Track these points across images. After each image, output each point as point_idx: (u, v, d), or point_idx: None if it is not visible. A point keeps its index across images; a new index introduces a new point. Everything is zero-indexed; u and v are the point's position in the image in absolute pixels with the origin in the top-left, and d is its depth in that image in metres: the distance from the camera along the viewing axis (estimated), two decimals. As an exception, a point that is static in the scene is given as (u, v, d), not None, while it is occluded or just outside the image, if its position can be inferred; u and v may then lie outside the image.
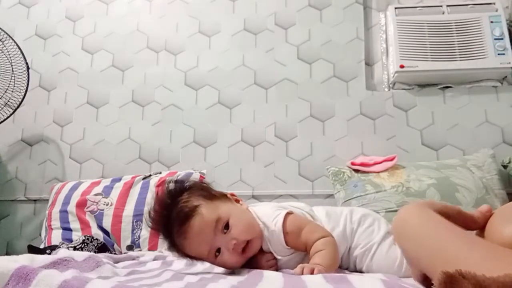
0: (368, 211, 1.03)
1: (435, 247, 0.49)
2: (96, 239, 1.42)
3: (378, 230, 0.93)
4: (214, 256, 0.85)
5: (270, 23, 1.93)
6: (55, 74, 2.01)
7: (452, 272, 0.37)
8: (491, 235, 0.59)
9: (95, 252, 1.31)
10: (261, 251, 0.91)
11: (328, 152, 1.74)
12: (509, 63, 1.63)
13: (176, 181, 0.91)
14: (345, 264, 0.94)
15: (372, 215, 1.00)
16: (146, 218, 0.90)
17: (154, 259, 1.08)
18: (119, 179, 1.69)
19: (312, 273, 0.74)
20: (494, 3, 1.73)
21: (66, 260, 0.71)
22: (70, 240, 1.50)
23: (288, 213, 0.91)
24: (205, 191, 0.91)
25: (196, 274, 0.80)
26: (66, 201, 1.63)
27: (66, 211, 1.60)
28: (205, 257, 0.86)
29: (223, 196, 0.93)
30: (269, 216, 0.91)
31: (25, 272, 0.48)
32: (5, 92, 1.75)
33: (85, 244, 1.36)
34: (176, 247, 0.86)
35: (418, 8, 1.78)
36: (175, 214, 0.84)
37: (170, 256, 1.19)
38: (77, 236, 1.50)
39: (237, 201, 0.96)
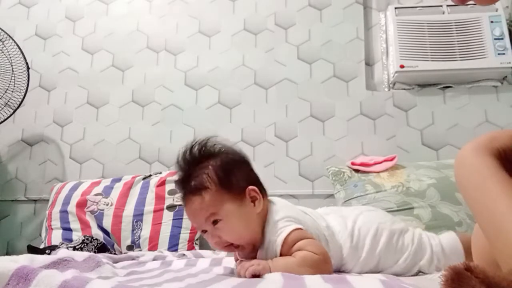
0: (392, 227, 0.97)
1: (482, 203, 0.46)
2: (96, 239, 1.42)
3: (402, 245, 0.93)
4: (202, 231, 0.88)
5: (270, 23, 1.92)
6: (55, 74, 2.01)
7: (459, 268, 0.35)
8: None
9: (95, 252, 1.31)
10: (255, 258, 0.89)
11: (328, 152, 1.74)
12: (509, 63, 1.63)
13: (214, 143, 0.89)
14: (350, 266, 0.94)
15: (397, 232, 0.96)
16: (178, 157, 0.89)
17: (154, 259, 1.08)
18: (119, 179, 1.70)
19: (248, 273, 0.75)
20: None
21: (66, 260, 0.71)
22: (70, 240, 1.50)
23: (296, 229, 0.85)
24: (225, 173, 0.85)
25: (196, 274, 0.81)
26: (66, 201, 1.63)
27: (66, 211, 1.60)
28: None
29: (238, 191, 0.86)
30: (277, 225, 0.86)
31: (25, 272, 0.48)
32: (5, 92, 1.75)
33: (85, 244, 1.36)
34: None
35: (418, 8, 1.78)
36: (188, 176, 0.86)
37: (170, 256, 1.19)
38: (77, 236, 1.50)
39: (254, 200, 0.88)
